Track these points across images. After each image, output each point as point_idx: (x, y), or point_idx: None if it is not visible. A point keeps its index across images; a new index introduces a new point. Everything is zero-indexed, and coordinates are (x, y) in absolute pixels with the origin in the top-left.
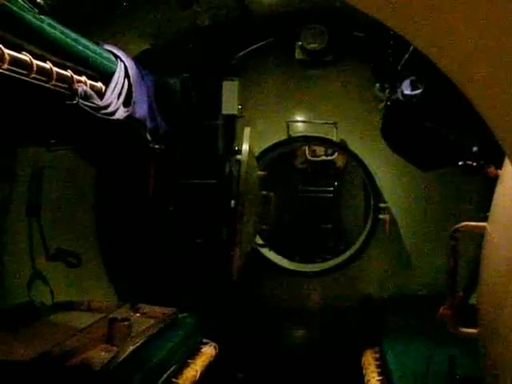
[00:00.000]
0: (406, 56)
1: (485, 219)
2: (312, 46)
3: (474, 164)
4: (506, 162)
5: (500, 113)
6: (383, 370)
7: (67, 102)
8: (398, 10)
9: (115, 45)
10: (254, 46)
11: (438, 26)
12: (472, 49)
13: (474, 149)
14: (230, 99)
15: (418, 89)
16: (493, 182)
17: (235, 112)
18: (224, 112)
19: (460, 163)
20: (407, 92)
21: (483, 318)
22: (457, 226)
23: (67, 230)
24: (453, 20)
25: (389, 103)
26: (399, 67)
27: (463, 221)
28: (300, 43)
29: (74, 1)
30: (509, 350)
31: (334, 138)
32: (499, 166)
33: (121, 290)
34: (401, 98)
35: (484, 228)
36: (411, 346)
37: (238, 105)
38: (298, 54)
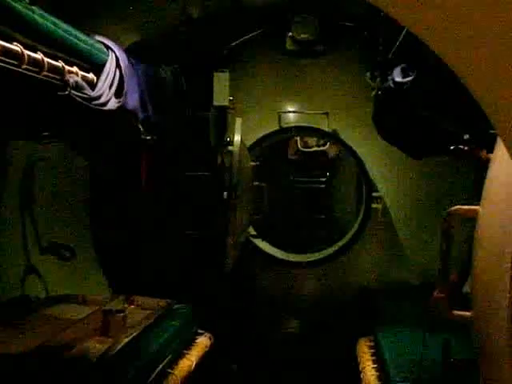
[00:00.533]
0: (397, 44)
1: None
2: (303, 36)
3: (466, 148)
4: (498, 145)
5: (494, 93)
6: (377, 358)
7: (59, 93)
8: None
9: (105, 36)
10: (245, 37)
11: (436, 11)
12: (469, 32)
13: (466, 136)
14: (221, 90)
15: (409, 76)
16: (485, 169)
17: (226, 103)
18: (215, 103)
19: (451, 147)
20: (398, 79)
21: (476, 301)
22: (449, 209)
23: (60, 223)
24: (451, 4)
25: (380, 92)
26: (390, 55)
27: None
28: (291, 34)
29: None
30: (501, 332)
31: (326, 128)
32: (491, 151)
33: (115, 282)
34: (392, 85)
35: (477, 211)
36: (405, 335)
37: (229, 96)
38: (289, 45)
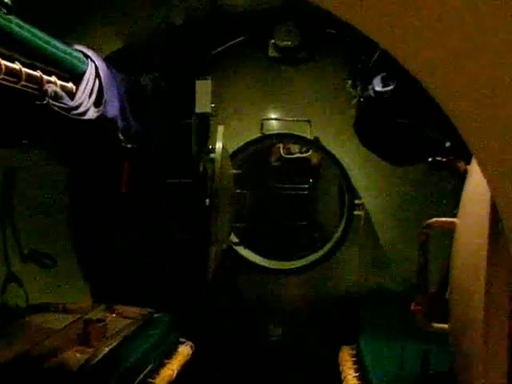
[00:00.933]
0: (378, 52)
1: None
2: (285, 43)
3: (444, 160)
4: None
5: (466, 113)
6: (360, 366)
7: (37, 103)
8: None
9: (86, 44)
10: (228, 44)
11: (401, 26)
12: (438, 50)
13: (447, 144)
14: (204, 98)
15: (389, 85)
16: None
17: (208, 110)
18: (197, 111)
19: (429, 159)
20: (378, 89)
21: (454, 313)
22: (427, 222)
23: (41, 231)
24: (417, 21)
25: (361, 100)
26: (371, 64)
27: (438, 216)
28: (273, 41)
29: None
30: (478, 344)
31: (308, 136)
32: (470, 161)
33: (96, 291)
34: (372, 94)
35: (454, 223)
36: (387, 343)
37: (212, 103)
38: (272, 52)
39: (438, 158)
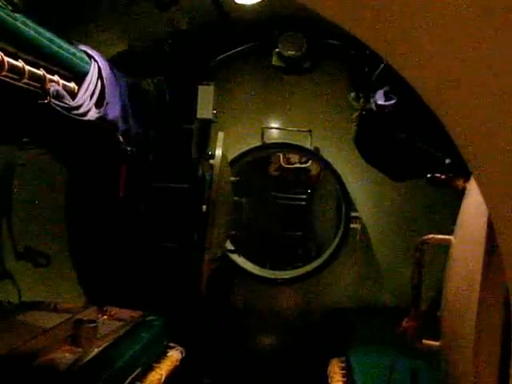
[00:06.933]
0: (382, 66)
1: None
2: (289, 52)
3: (442, 177)
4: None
5: (467, 133)
6: (348, 379)
7: (39, 101)
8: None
9: (90, 45)
10: (232, 51)
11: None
12: (441, 67)
13: (447, 160)
14: (206, 103)
15: (392, 99)
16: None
17: (210, 116)
18: (199, 116)
19: (428, 176)
20: (380, 102)
21: (445, 331)
22: (422, 238)
23: (37, 229)
24: (415, 33)
25: (363, 113)
26: (374, 77)
27: (434, 232)
28: (277, 50)
29: None
30: (468, 363)
31: (308, 146)
32: (469, 178)
33: (89, 292)
34: (374, 108)
35: (450, 241)
36: (377, 356)
37: (213, 109)
38: (276, 61)
39: (437, 175)
